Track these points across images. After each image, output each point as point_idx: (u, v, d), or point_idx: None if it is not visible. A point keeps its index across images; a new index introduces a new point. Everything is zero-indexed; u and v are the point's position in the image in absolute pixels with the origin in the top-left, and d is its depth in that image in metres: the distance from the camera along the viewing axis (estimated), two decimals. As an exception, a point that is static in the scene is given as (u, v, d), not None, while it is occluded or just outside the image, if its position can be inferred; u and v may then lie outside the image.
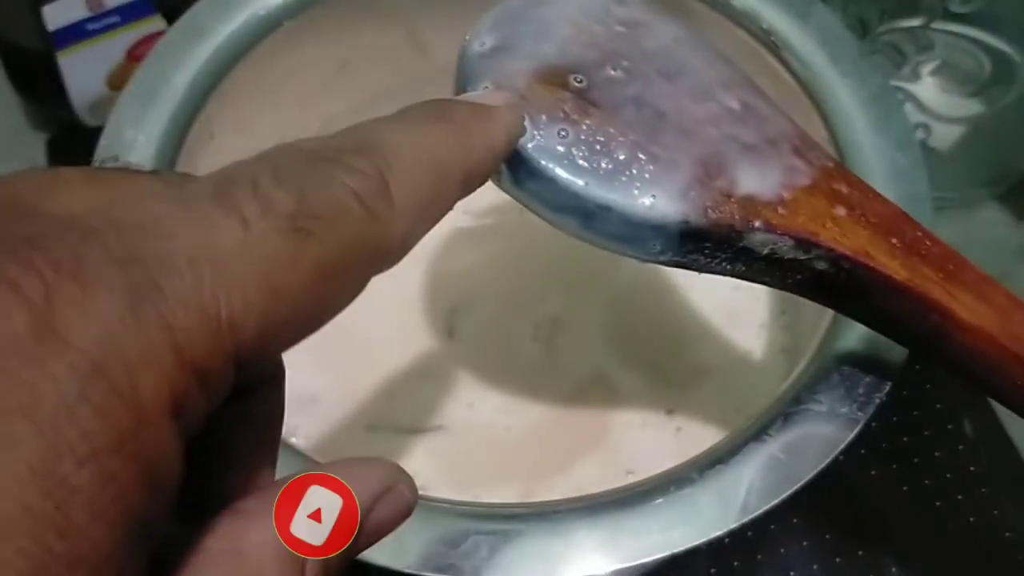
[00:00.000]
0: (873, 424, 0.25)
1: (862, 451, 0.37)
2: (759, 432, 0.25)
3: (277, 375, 0.15)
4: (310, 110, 0.37)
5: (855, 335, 0.27)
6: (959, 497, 0.38)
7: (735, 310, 0.35)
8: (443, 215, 0.15)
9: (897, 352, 0.26)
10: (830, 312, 0.28)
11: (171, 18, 0.34)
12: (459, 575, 0.23)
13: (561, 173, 0.20)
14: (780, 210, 0.21)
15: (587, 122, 0.20)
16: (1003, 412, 0.39)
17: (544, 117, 0.20)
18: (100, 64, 0.44)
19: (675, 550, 0.23)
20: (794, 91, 0.32)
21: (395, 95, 0.40)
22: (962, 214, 0.44)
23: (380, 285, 0.40)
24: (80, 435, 0.10)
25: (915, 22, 0.39)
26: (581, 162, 0.20)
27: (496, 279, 0.36)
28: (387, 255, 0.14)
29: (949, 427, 0.39)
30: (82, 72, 0.43)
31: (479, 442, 0.32)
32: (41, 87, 0.45)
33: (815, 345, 0.28)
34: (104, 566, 0.10)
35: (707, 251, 0.21)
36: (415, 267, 0.36)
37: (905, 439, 0.39)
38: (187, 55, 0.32)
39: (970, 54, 0.39)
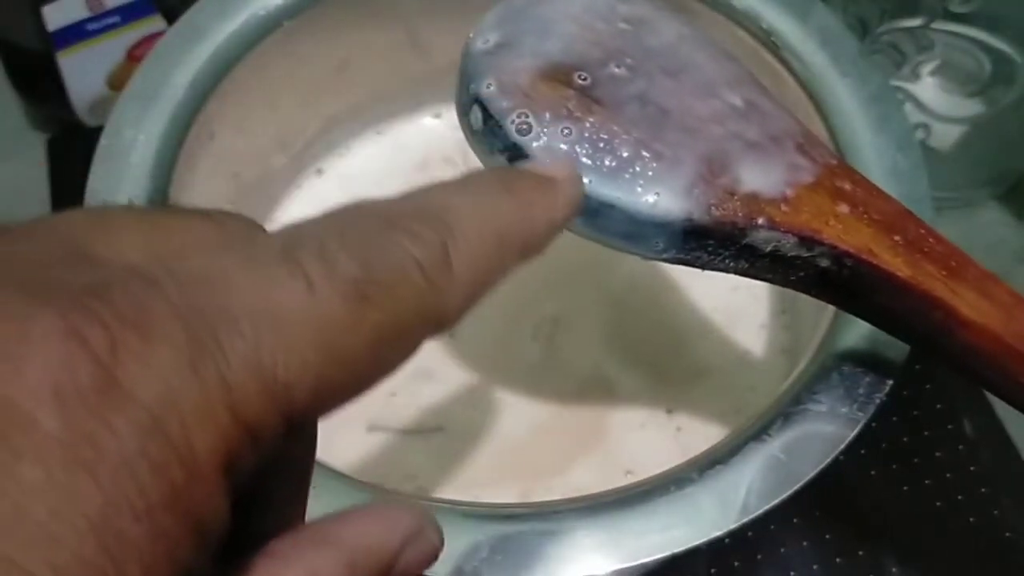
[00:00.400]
0: (873, 424, 0.25)
1: (862, 451, 0.37)
2: (759, 432, 0.25)
3: (313, 438, 0.15)
4: (310, 110, 0.37)
5: (855, 335, 0.27)
6: (959, 497, 0.38)
7: (735, 310, 0.35)
8: (498, 283, 0.15)
9: (897, 352, 0.26)
10: (830, 312, 0.28)
11: (171, 18, 0.34)
12: (459, 575, 0.23)
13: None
14: (783, 207, 0.21)
15: (591, 120, 0.20)
16: (1003, 412, 0.39)
17: (548, 115, 0.20)
18: (100, 64, 0.44)
19: (675, 550, 0.23)
20: (794, 91, 0.32)
21: (395, 95, 0.40)
22: (962, 214, 0.44)
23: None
24: (137, 491, 0.10)
25: (915, 22, 0.39)
26: (585, 160, 0.20)
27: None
28: (443, 324, 0.14)
29: (949, 427, 0.39)
30: (82, 72, 0.43)
31: (479, 442, 0.32)
32: (41, 87, 0.45)
33: (815, 345, 0.28)
34: None
35: (710, 248, 0.21)
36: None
37: (905, 439, 0.39)
38: (187, 55, 0.32)
39: (970, 54, 0.39)
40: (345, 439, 0.32)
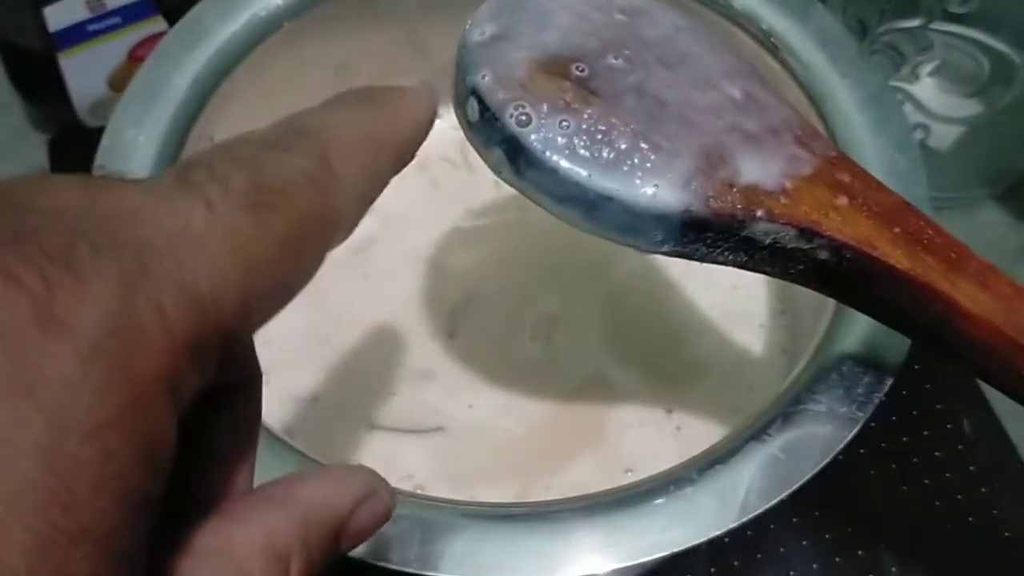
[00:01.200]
0: (872, 424, 0.25)
1: (861, 451, 0.37)
2: (759, 432, 0.25)
3: (254, 376, 0.16)
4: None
5: (855, 335, 0.27)
6: (959, 497, 0.38)
7: (734, 309, 0.35)
8: (383, 186, 0.16)
9: (896, 352, 0.26)
10: (829, 312, 0.28)
11: (172, 19, 0.34)
12: (459, 575, 0.23)
13: (563, 163, 0.20)
14: (783, 199, 0.21)
15: (588, 111, 0.20)
16: (1003, 411, 0.39)
17: (545, 107, 0.20)
18: (101, 65, 0.44)
19: (675, 549, 0.23)
20: (794, 92, 0.32)
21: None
22: (962, 214, 0.44)
23: (382, 285, 0.40)
24: (83, 413, 0.10)
25: (914, 23, 0.39)
26: (583, 152, 0.20)
27: (495, 278, 0.36)
28: (338, 225, 0.15)
29: (948, 427, 0.39)
30: (83, 73, 0.44)
31: (478, 442, 0.32)
32: (42, 88, 0.45)
33: (814, 345, 0.28)
34: (105, 541, 0.11)
35: (709, 240, 0.21)
36: (416, 267, 0.36)
37: (905, 439, 0.39)
38: (188, 56, 0.32)
39: (969, 55, 0.39)
40: (345, 438, 0.32)
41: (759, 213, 0.21)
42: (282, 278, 0.14)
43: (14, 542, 0.10)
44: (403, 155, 0.17)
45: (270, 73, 0.34)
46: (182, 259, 0.12)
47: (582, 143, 0.20)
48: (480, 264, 0.36)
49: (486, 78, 0.21)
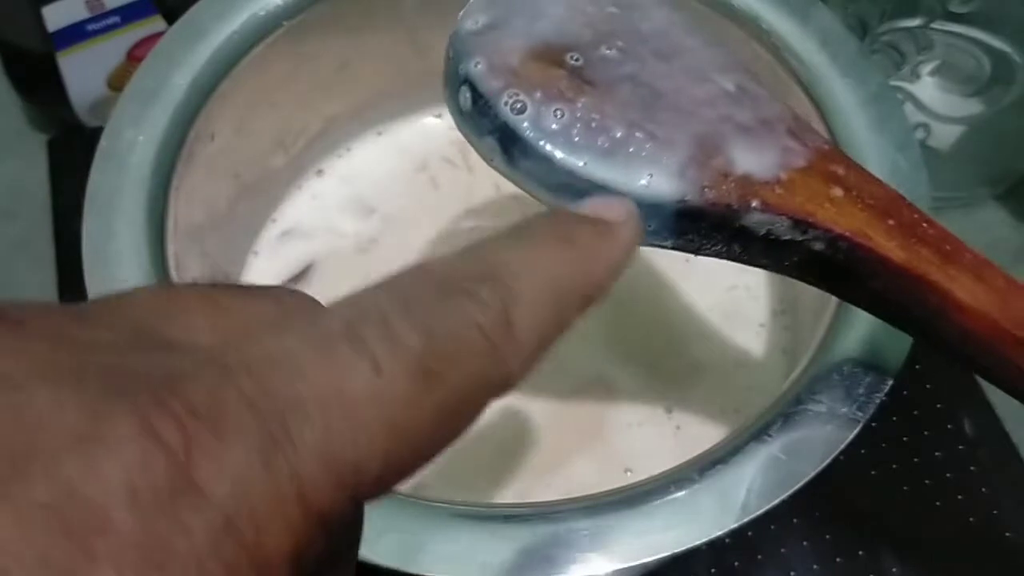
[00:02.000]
0: (873, 424, 0.25)
1: (862, 451, 0.37)
2: (759, 432, 0.25)
3: (357, 539, 0.15)
4: (310, 110, 0.37)
5: (855, 335, 0.27)
6: (959, 497, 0.38)
7: (734, 309, 0.35)
8: (559, 339, 0.15)
9: (897, 352, 0.26)
10: (830, 312, 0.28)
11: (171, 18, 0.34)
12: (459, 575, 0.23)
13: (557, 152, 0.20)
14: (777, 190, 0.21)
15: (583, 100, 0.20)
16: (1003, 412, 0.39)
17: (540, 94, 0.20)
18: (100, 65, 0.44)
19: (676, 550, 0.23)
20: (794, 91, 0.32)
21: (395, 95, 0.40)
22: (962, 214, 0.44)
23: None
24: None
25: (915, 22, 0.39)
26: (577, 140, 0.20)
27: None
28: (506, 388, 0.14)
29: (949, 427, 0.39)
30: (82, 73, 0.44)
31: (478, 442, 0.32)
32: (41, 88, 0.45)
33: (815, 345, 0.28)
34: None
35: (704, 231, 0.21)
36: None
37: (905, 439, 0.39)
38: (187, 55, 0.32)
39: (970, 54, 0.39)
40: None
41: (754, 203, 0.21)
42: (432, 445, 0.13)
43: None
44: (587, 306, 0.16)
45: (269, 72, 0.34)
46: (331, 425, 0.11)
47: (577, 131, 0.20)
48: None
49: (479, 66, 0.20)
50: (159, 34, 0.42)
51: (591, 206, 0.19)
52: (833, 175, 0.22)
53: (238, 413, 0.11)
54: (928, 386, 0.40)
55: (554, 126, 0.20)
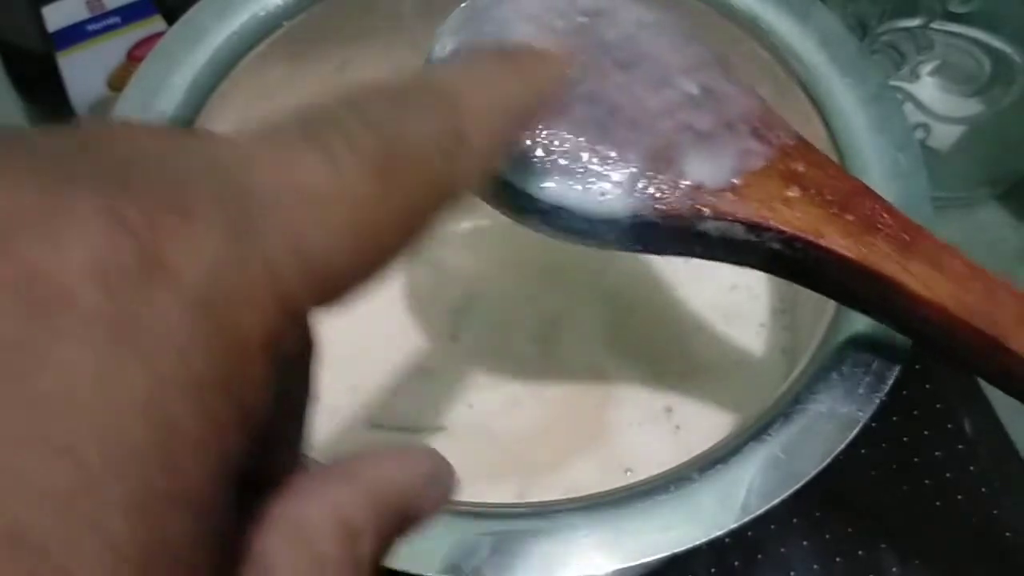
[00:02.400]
0: (873, 424, 0.25)
1: (862, 451, 0.37)
2: (759, 431, 0.25)
3: (315, 343, 0.15)
4: (310, 110, 0.37)
5: (855, 334, 0.27)
6: (959, 497, 0.38)
7: (734, 309, 0.35)
8: (505, 154, 0.15)
9: (897, 352, 0.26)
10: (830, 311, 0.28)
11: (171, 19, 0.34)
12: (459, 575, 0.23)
13: (515, 179, 0.21)
14: (730, 196, 0.22)
15: (540, 125, 0.21)
16: (1003, 411, 0.39)
17: None
18: (100, 65, 0.44)
19: (675, 550, 0.23)
20: (794, 91, 0.32)
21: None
22: (962, 214, 0.44)
23: (383, 285, 0.40)
24: (186, 371, 0.10)
25: (915, 22, 0.39)
26: (536, 164, 0.21)
27: (495, 279, 0.36)
28: (459, 195, 0.14)
29: (949, 427, 0.39)
30: (82, 73, 0.44)
31: (479, 442, 0.32)
32: (42, 88, 0.45)
33: (815, 344, 0.28)
34: (200, 504, 0.10)
35: (662, 238, 0.22)
36: (416, 268, 0.36)
37: (905, 439, 0.39)
38: (187, 56, 0.32)
39: (970, 54, 0.39)
40: (347, 437, 0.32)
41: (706, 212, 0.22)
42: (393, 247, 0.13)
43: (112, 503, 0.09)
44: (529, 119, 0.16)
45: (269, 73, 0.34)
46: (300, 217, 0.11)
47: (537, 157, 0.21)
48: (481, 265, 0.36)
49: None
50: (159, 34, 0.42)
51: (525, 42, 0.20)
52: (792, 174, 0.22)
53: (202, 201, 0.10)
54: (928, 386, 0.40)
55: (512, 154, 0.20)
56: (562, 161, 0.21)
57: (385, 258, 0.13)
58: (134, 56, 0.44)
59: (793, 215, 0.22)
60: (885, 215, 0.22)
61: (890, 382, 0.26)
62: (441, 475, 0.15)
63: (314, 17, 0.34)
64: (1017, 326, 0.22)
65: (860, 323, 0.27)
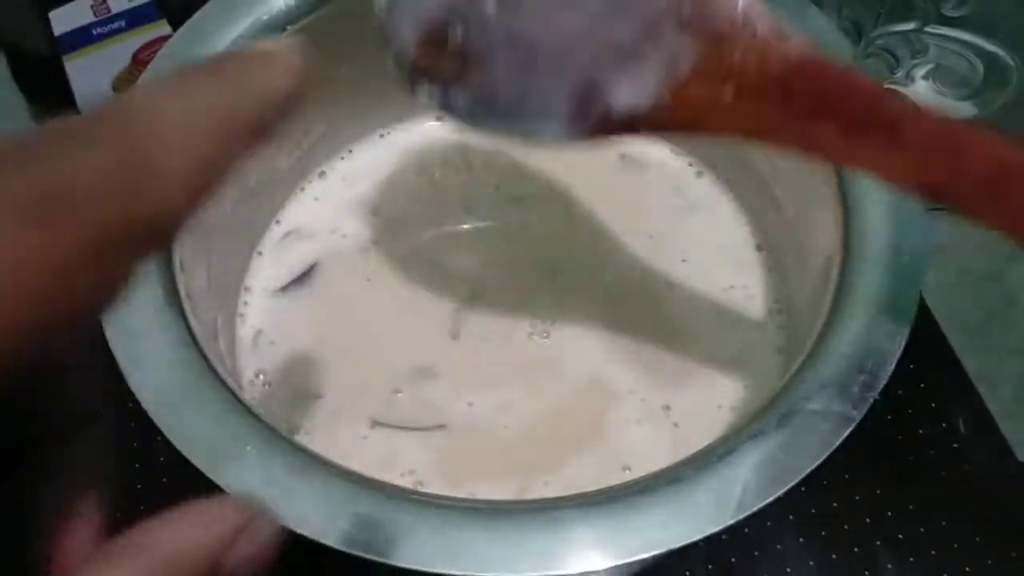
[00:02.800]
0: (868, 422, 0.25)
1: (857, 449, 0.38)
2: (755, 430, 0.25)
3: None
4: (313, 113, 0.38)
5: (850, 334, 0.27)
6: (953, 495, 0.38)
7: (731, 309, 0.36)
8: (234, 164, 0.14)
9: (892, 351, 0.26)
10: (826, 311, 0.28)
11: (176, 23, 0.34)
12: (458, 572, 0.23)
13: (468, 120, 0.24)
14: (663, 112, 0.22)
15: (475, 78, 0.23)
16: (996, 410, 0.40)
17: (440, 82, 0.23)
18: (106, 68, 0.44)
19: (672, 546, 0.23)
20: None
21: (398, 98, 0.41)
22: (958, 214, 0.44)
23: (383, 285, 0.40)
24: None
25: (909, 26, 0.39)
26: (481, 111, 0.23)
27: (495, 278, 0.36)
28: (168, 224, 0.12)
29: (943, 425, 0.39)
30: (88, 76, 0.44)
31: (478, 440, 0.33)
32: (48, 91, 0.45)
33: (810, 344, 0.28)
34: None
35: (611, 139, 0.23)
36: (417, 268, 0.37)
37: (900, 437, 0.39)
38: (192, 60, 0.32)
39: (963, 57, 0.40)
40: (348, 435, 0.33)
41: (641, 130, 0.23)
42: (83, 293, 0.12)
43: None
44: (258, 132, 0.14)
45: (273, 76, 0.34)
46: None
47: (478, 105, 0.23)
48: (480, 264, 0.37)
49: (391, 60, 0.24)
50: (164, 38, 0.42)
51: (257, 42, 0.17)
52: (727, 68, 0.21)
53: None
54: (922, 385, 0.40)
55: (461, 103, 0.23)
56: (500, 107, 0.23)
57: (74, 308, 0.12)
58: (139, 60, 0.44)
59: (729, 118, 0.21)
60: (835, 90, 0.20)
61: (884, 381, 0.26)
62: (252, 525, 0.14)
63: (317, 22, 0.34)
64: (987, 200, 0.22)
65: (855, 323, 0.27)
